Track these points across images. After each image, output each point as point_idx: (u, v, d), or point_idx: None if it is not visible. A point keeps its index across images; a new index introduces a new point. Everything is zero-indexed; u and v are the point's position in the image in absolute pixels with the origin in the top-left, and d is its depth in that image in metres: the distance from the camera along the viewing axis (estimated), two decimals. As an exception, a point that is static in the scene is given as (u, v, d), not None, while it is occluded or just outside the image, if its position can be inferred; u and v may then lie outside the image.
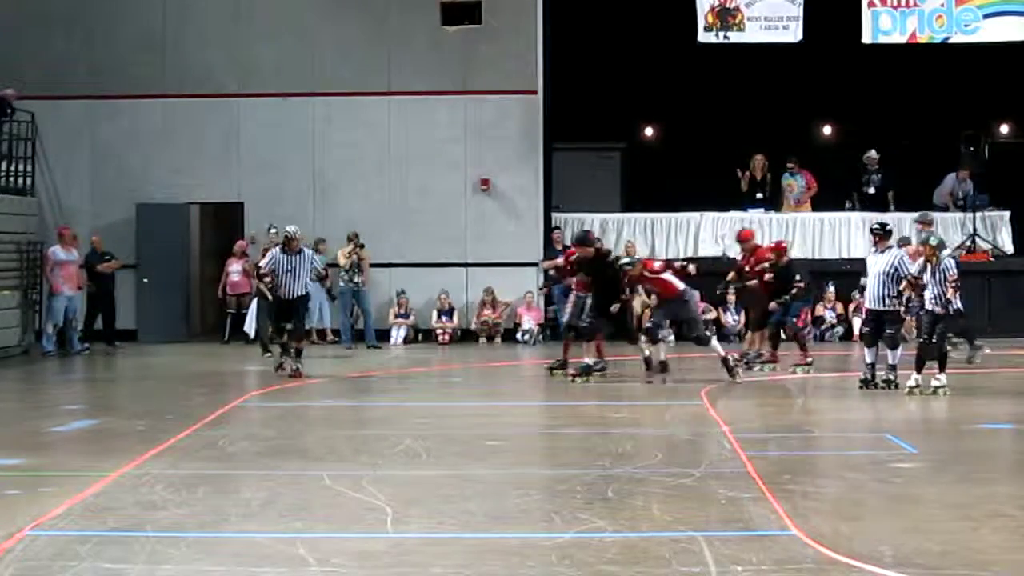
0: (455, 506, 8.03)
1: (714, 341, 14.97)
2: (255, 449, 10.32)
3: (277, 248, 15.80)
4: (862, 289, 16.18)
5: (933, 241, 13.55)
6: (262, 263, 16.22)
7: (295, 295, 15.45)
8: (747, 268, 16.53)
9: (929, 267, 13.23)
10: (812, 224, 21.48)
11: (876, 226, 14.64)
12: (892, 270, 13.90)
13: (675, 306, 14.92)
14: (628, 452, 9.96)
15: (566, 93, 21.62)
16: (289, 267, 15.40)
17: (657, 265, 15.30)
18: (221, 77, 21.52)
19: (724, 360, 14.74)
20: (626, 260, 15.17)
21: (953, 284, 13.12)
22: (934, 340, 13.17)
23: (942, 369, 13.25)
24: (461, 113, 21.46)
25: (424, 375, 16.64)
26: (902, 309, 14.01)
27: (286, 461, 9.74)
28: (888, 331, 13.90)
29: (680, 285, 14.85)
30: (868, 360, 14.05)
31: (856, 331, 20.58)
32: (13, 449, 10.37)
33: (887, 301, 13.94)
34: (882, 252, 14.18)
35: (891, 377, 13.77)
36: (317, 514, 7.86)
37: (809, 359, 16.12)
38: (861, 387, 13.95)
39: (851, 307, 20.67)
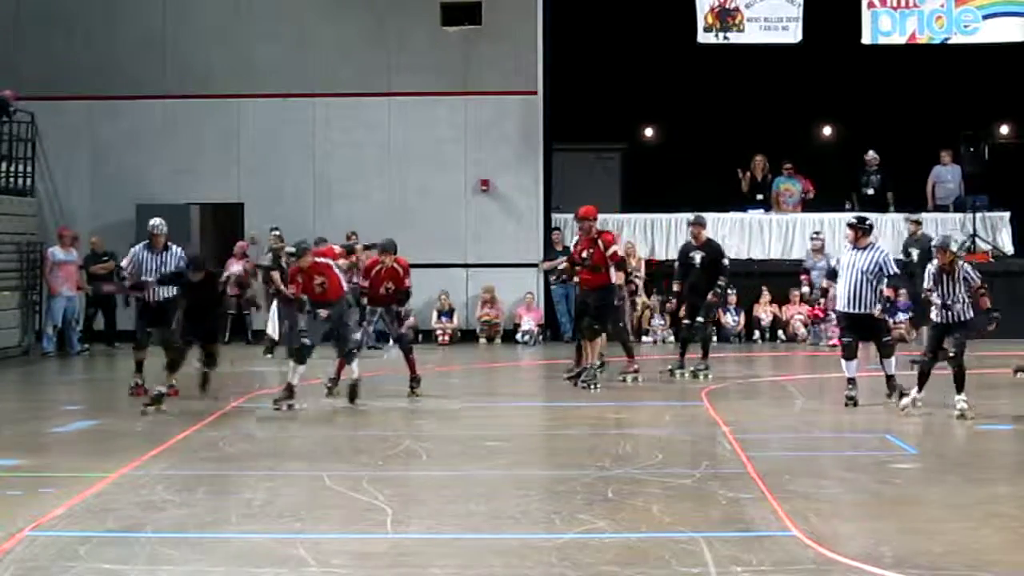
0: (455, 506, 8.03)
1: (355, 363, 12.78)
2: (255, 450, 10.31)
3: (140, 245, 13.84)
4: (824, 292, 13.97)
5: (953, 247, 12.06)
6: (124, 262, 14.09)
7: (163, 297, 13.59)
8: (583, 254, 14.06)
9: (945, 277, 11.74)
10: (812, 225, 21.48)
11: (855, 220, 13.02)
12: (876, 268, 12.49)
13: (336, 311, 12.74)
14: (628, 453, 9.96)
15: (566, 93, 21.63)
16: (155, 266, 13.60)
17: (338, 249, 13.27)
18: (221, 77, 21.52)
19: (354, 384, 12.75)
20: (291, 249, 13.05)
21: (981, 292, 11.81)
22: (953, 355, 11.70)
23: (961, 389, 11.73)
24: (461, 113, 21.46)
25: (423, 376, 16.63)
26: (877, 310, 12.48)
27: (286, 461, 9.74)
28: (885, 339, 12.69)
29: (346, 287, 13.09)
30: (850, 374, 12.60)
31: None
32: (13, 449, 10.37)
33: (867, 304, 12.49)
34: (861, 249, 12.62)
35: (897, 385, 12.45)
36: (317, 514, 7.86)
37: (635, 366, 14.65)
38: (848, 404, 12.46)
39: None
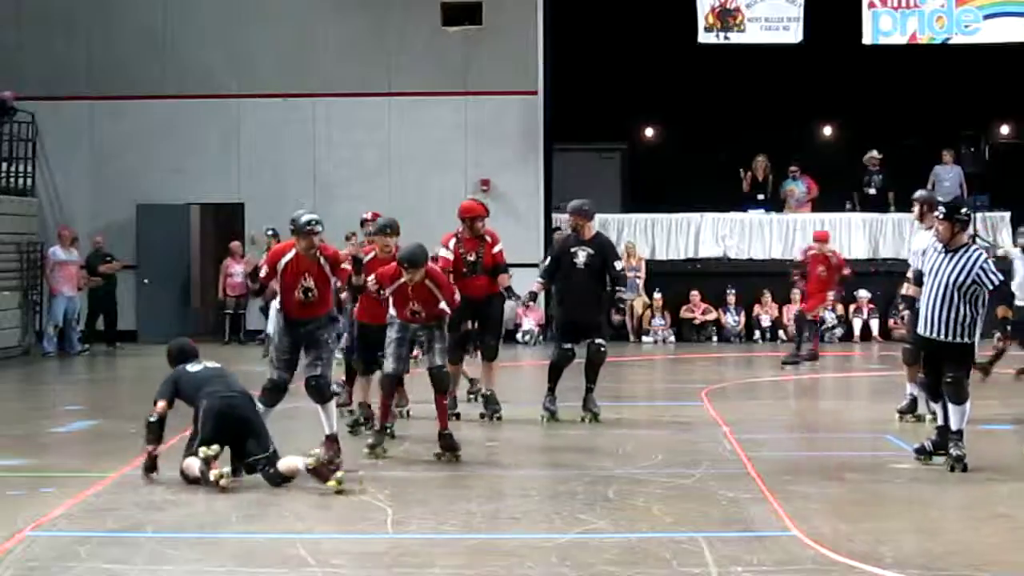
0: (455, 506, 8.03)
1: None
2: (255, 449, 10.28)
3: None
4: (910, 302, 10.16)
5: None
6: None
7: None
8: (470, 257, 11.77)
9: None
10: (813, 225, 21.46)
11: (949, 210, 9.14)
12: (968, 280, 8.94)
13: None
14: (628, 452, 9.96)
15: (566, 93, 21.61)
16: None
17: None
18: (221, 77, 21.51)
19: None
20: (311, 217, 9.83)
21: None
22: None
23: None
24: (461, 113, 21.45)
25: (423, 375, 16.63)
26: (997, 339, 9.46)
27: (286, 461, 9.72)
28: (951, 375, 8.95)
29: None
30: (940, 421, 9.21)
31: (856, 332, 20.65)
32: (13, 449, 10.37)
33: (952, 330, 8.96)
34: (952, 251, 9.01)
35: (958, 453, 8.93)
36: (317, 514, 7.86)
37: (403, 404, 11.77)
38: (919, 457, 9.30)
39: (851, 308, 20.73)
